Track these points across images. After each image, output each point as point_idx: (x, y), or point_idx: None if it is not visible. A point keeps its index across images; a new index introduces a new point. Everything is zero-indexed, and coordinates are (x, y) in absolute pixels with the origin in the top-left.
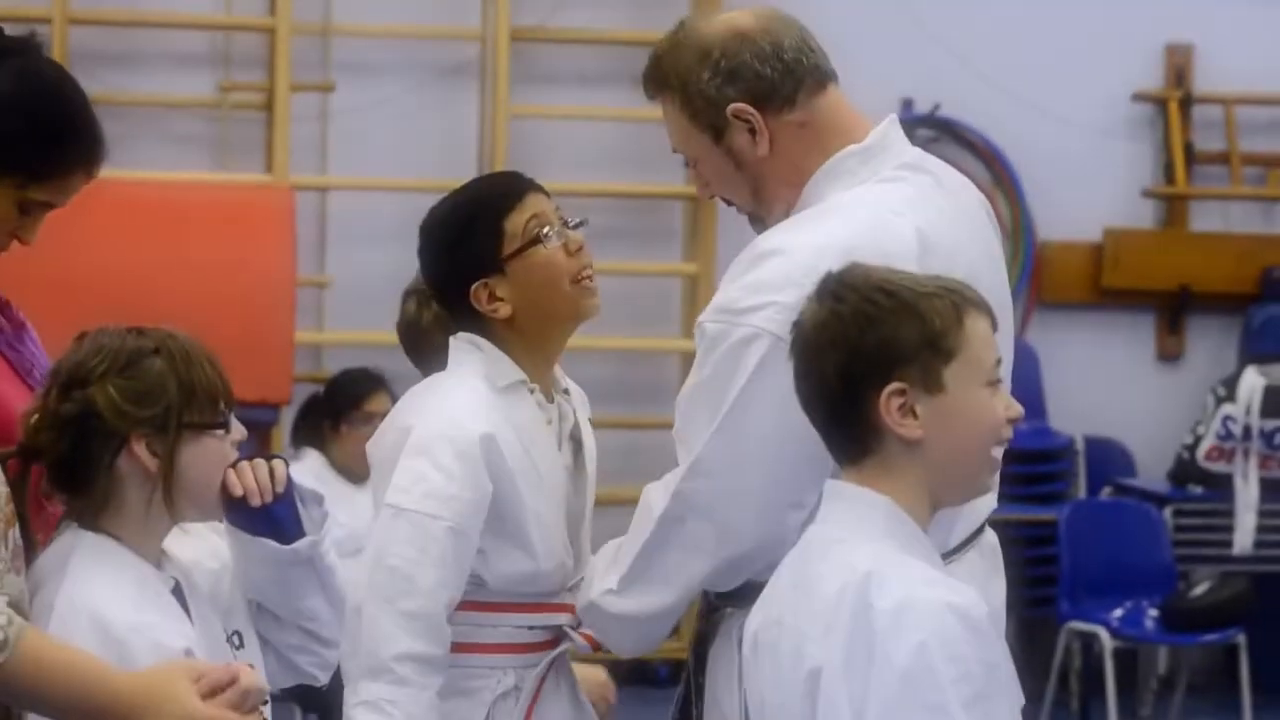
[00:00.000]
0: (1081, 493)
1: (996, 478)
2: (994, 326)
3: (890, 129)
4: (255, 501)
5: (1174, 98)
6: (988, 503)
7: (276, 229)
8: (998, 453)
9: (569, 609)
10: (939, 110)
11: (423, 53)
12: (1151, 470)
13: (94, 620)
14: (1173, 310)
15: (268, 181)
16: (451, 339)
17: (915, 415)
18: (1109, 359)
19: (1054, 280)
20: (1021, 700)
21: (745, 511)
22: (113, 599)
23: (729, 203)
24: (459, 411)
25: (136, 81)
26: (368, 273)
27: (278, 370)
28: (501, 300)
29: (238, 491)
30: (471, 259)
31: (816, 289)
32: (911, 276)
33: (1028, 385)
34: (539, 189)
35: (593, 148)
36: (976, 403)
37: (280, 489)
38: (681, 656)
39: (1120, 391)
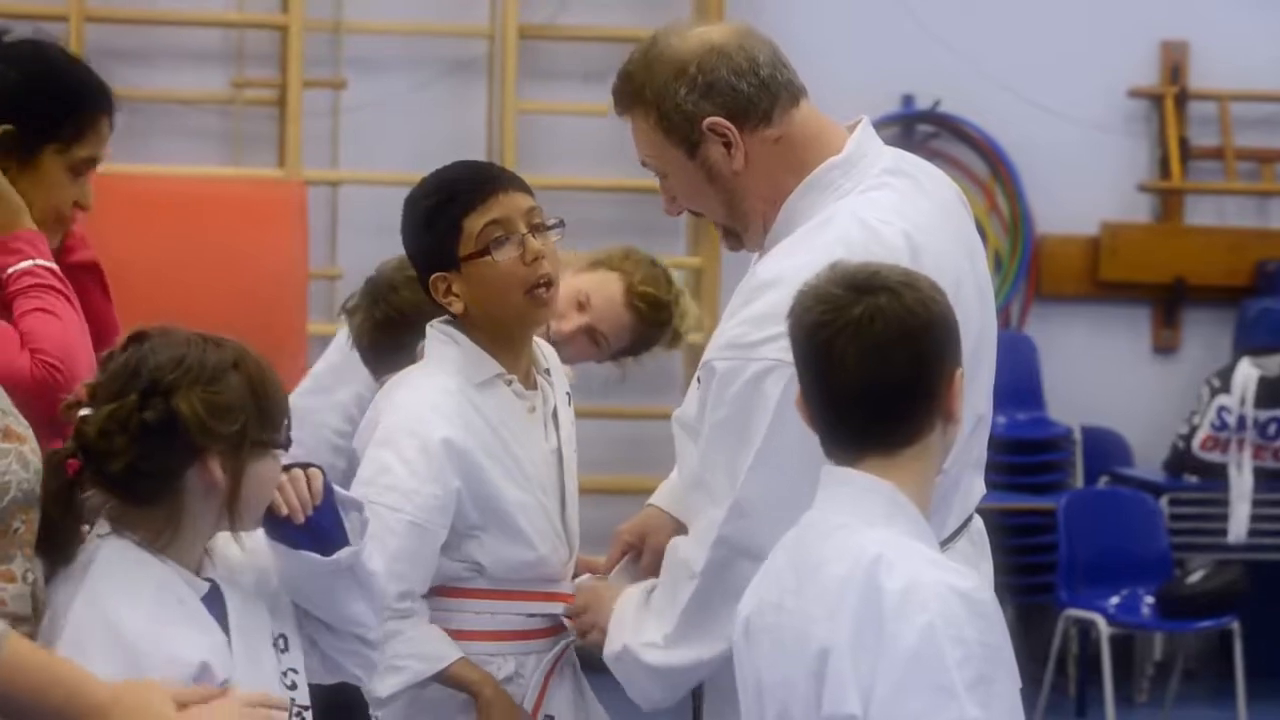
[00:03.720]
0: (1079, 482)
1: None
2: None
3: (864, 134)
4: (299, 520)
5: (1169, 94)
6: (978, 491)
7: (289, 222)
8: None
9: (564, 598)
10: (939, 106)
11: (432, 49)
12: (1148, 460)
13: (108, 629)
14: (1168, 303)
15: (280, 176)
16: (429, 328)
17: None
18: (1106, 350)
19: (1052, 273)
20: (1019, 683)
21: None
22: (128, 608)
23: (697, 214)
24: (425, 409)
25: (151, 77)
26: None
27: (290, 361)
28: (456, 296)
29: (282, 511)
30: (431, 251)
31: (840, 290)
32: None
33: (1026, 376)
34: (515, 186)
35: (598, 142)
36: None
37: (319, 500)
38: None
39: (1117, 382)
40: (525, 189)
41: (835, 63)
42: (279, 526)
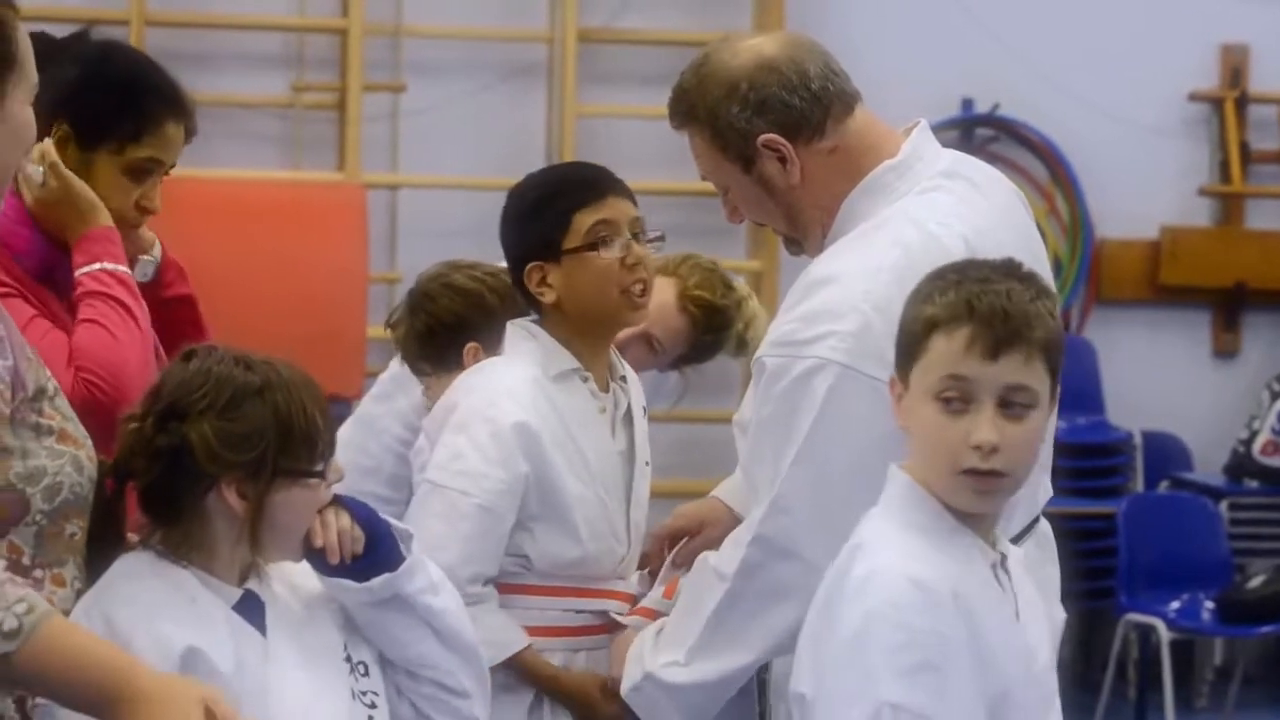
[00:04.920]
0: (1139, 486)
1: (981, 498)
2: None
3: (920, 137)
4: (333, 560)
5: (1230, 97)
6: (1045, 492)
7: (349, 226)
8: (964, 479)
9: (620, 596)
10: (998, 110)
11: (492, 53)
12: (1208, 464)
13: (102, 620)
14: (1229, 307)
15: (340, 180)
16: (509, 325)
17: None
18: (1166, 355)
19: (1112, 277)
20: (1002, 683)
21: (831, 543)
22: (124, 602)
23: (761, 224)
24: (500, 394)
25: (212, 82)
26: None
27: (350, 365)
28: (549, 287)
29: (318, 543)
30: (534, 239)
31: (981, 272)
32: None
33: (1086, 380)
34: (624, 193)
35: (658, 146)
36: (921, 417)
37: (355, 555)
38: None
39: (1177, 387)
40: (633, 199)
41: (895, 67)
42: (317, 555)
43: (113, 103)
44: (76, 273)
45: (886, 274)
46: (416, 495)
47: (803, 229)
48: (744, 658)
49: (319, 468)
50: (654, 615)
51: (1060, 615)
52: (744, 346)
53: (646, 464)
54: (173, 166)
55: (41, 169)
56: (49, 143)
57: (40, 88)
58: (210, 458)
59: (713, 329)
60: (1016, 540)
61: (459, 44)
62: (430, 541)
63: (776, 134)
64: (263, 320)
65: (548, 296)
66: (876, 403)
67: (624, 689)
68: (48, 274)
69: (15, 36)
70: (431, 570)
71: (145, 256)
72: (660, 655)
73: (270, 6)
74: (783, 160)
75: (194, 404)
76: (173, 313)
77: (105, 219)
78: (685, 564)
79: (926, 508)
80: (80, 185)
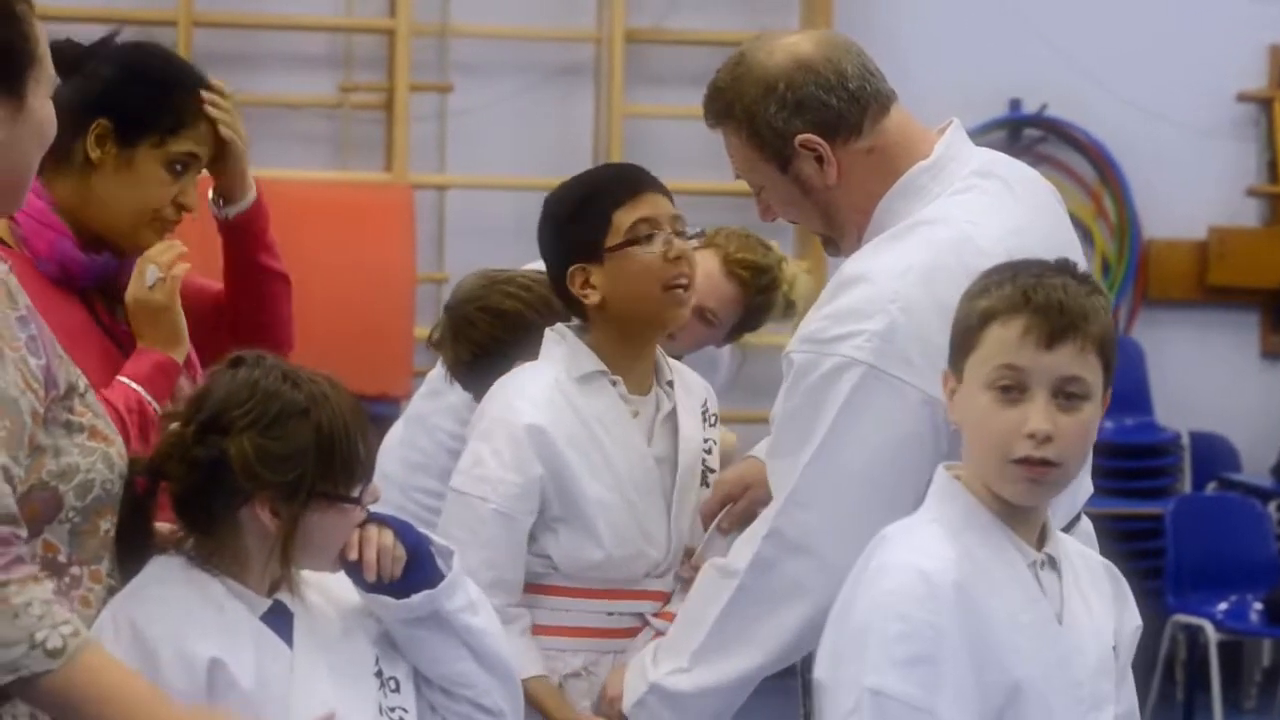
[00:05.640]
0: (1187, 487)
1: (1032, 488)
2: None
3: (954, 137)
4: (370, 577)
5: (1278, 97)
6: (1085, 490)
7: (396, 227)
8: (1015, 468)
9: (653, 596)
10: (1046, 110)
11: (539, 54)
12: (1256, 465)
13: (129, 628)
14: (1277, 307)
15: (387, 180)
16: (546, 331)
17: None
18: (1214, 355)
19: (1159, 278)
20: (1005, 676)
21: (846, 542)
22: (152, 606)
23: (795, 223)
24: (515, 397)
25: (259, 82)
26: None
27: (398, 365)
28: (593, 288)
29: (352, 555)
30: (575, 242)
31: (1037, 268)
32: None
33: (1134, 381)
34: (661, 190)
35: (705, 147)
36: (974, 408)
37: (395, 576)
38: None
39: (1225, 387)
40: (670, 197)
41: (943, 67)
42: (355, 569)
43: (153, 97)
44: (120, 375)
45: (915, 274)
46: (445, 503)
47: (839, 228)
48: (753, 659)
49: (356, 493)
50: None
51: (1137, 623)
52: (791, 308)
53: (712, 471)
54: (206, 164)
55: (159, 273)
56: (173, 253)
57: (76, 91)
58: (248, 474)
59: (762, 289)
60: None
61: (506, 44)
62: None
63: (814, 134)
64: (311, 320)
65: (592, 298)
66: (899, 403)
67: (626, 705)
68: (66, 278)
69: (33, 33)
70: (471, 589)
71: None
72: (662, 665)
73: (317, 7)
74: (820, 160)
75: (237, 418)
76: (271, 284)
77: (181, 354)
78: (735, 527)
79: (960, 503)
80: (180, 311)
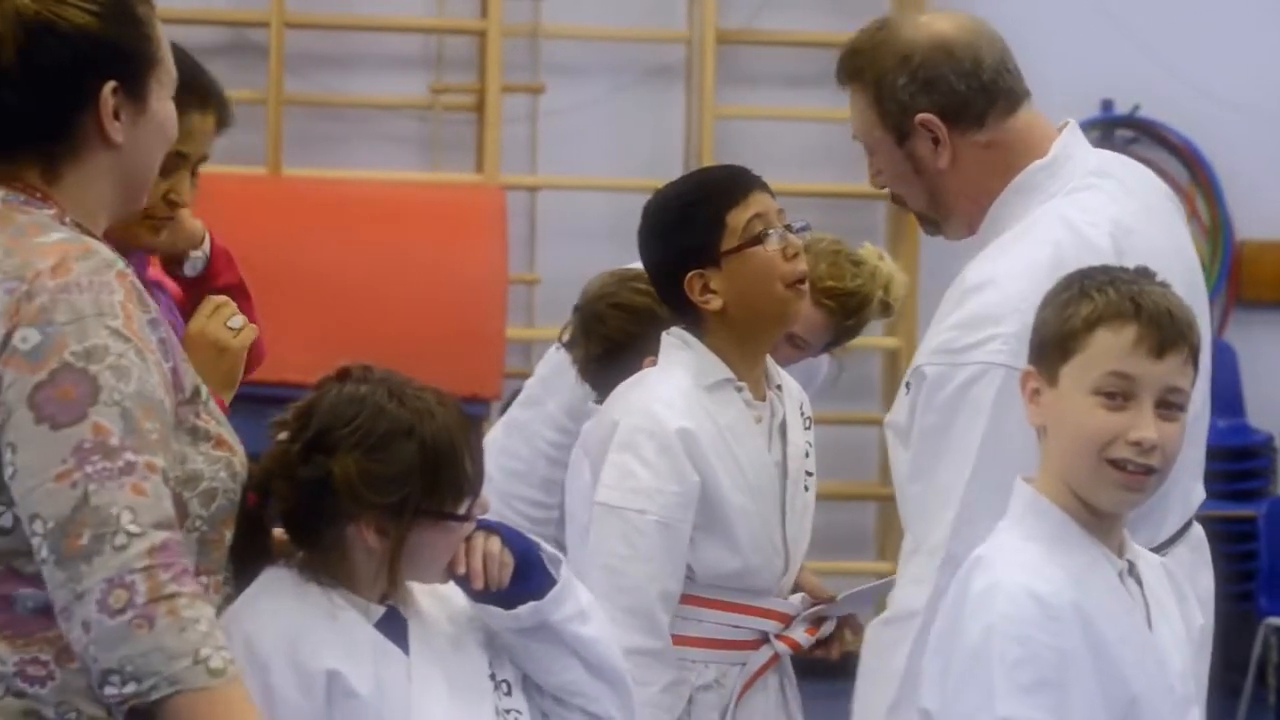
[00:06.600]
0: None
1: (1128, 494)
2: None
3: (1071, 137)
4: (478, 585)
5: None
6: (1197, 495)
7: (488, 228)
8: (1111, 471)
9: (778, 616)
10: (1138, 111)
11: (630, 54)
12: None
13: (243, 642)
14: None
15: (479, 181)
16: (664, 335)
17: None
18: None
19: (1252, 279)
20: (1129, 692)
21: None
22: (266, 619)
23: (896, 201)
24: (659, 406)
25: (351, 83)
26: (576, 271)
27: (489, 366)
28: (714, 293)
29: (460, 570)
30: (689, 248)
31: (1127, 274)
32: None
33: (1226, 383)
34: (764, 188)
35: (796, 148)
36: (1072, 411)
37: (503, 584)
38: None
39: None
40: (772, 193)
41: (1036, 67)
42: (463, 579)
43: None
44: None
45: (1042, 273)
46: (592, 519)
47: (944, 211)
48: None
49: (463, 509)
50: (799, 648)
51: (1200, 621)
52: (888, 309)
53: (809, 474)
54: (204, 159)
55: (242, 320)
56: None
57: None
58: (352, 496)
59: (851, 312)
60: (1169, 544)
61: (597, 45)
62: (613, 564)
63: (935, 115)
64: (402, 321)
65: (713, 304)
66: None
67: None
68: None
69: (155, 35)
70: (582, 597)
71: (195, 253)
72: None
73: (409, 8)
74: (936, 142)
75: (342, 438)
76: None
77: (229, 397)
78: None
79: (1051, 518)
80: (242, 361)
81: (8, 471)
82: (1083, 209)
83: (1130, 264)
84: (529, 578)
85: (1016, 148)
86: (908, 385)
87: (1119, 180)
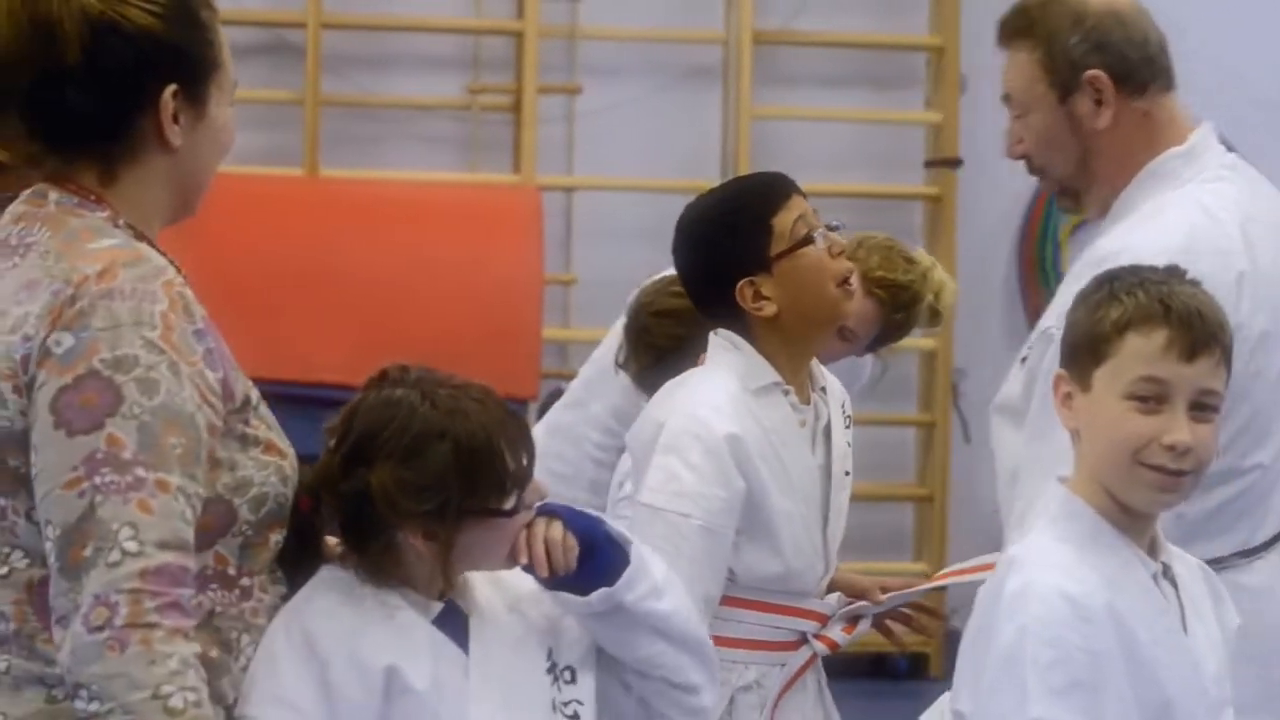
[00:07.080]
0: None
1: (1164, 495)
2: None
3: (1208, 133)
4: (542, 574)
5: None
6: None
7: (524, 228)
8: (1146, 472)
9: (816, 616)
10: None
11: (667, 55)
12: None
13: (304, 638)
14: None
15: (516, 182)
16: (711, 336)
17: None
18: None
19: None
20: (1164, 695)
21: None
22: (324, 618)
23: (1035, 171)
24: (706, 409)
25: (387, 84)
26: (612, 271)
27: (525, 366)
28: (767, 299)
29: (522, 560)
30: (738, 256)
31: (1157, 275)
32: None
33: None
34: (799, 190)
35: (834, 149)
36: (1105, 415)
37: (570, 568)
38: (923, 650)
39: None
40: (804, 194)
41: None
42: (530, 567)
43: None
44: None
45: (1174, 252)
46: (633, 520)
47: (1089, 177)
48: None
49: (509, 505)
50: (836, 647)
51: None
52: (936, 316)
53: (847, 474)
54: None
55: None
56: None
57: None
58: (391, 507)
59: (902, 306)
60: (1263, 550)
61: (634, 46)
62: None
63: (1105, 74)
64: (439, 321)
65: (767, 309)
66: None
67: None
68: None
69: (217, 39)
70: (655, 572)
71: None
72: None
73: (446, 8)
74: (1099, 102)
75: (378, 448)
76: None
77: None
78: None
79: (1085, 520)
80: None
81: (33, 473)
82: (1218, 196)
83: (1259, 255)
84: (597, 556)
85: (1165, 127)
86: (1024, 359)
87: (1250, 179)
